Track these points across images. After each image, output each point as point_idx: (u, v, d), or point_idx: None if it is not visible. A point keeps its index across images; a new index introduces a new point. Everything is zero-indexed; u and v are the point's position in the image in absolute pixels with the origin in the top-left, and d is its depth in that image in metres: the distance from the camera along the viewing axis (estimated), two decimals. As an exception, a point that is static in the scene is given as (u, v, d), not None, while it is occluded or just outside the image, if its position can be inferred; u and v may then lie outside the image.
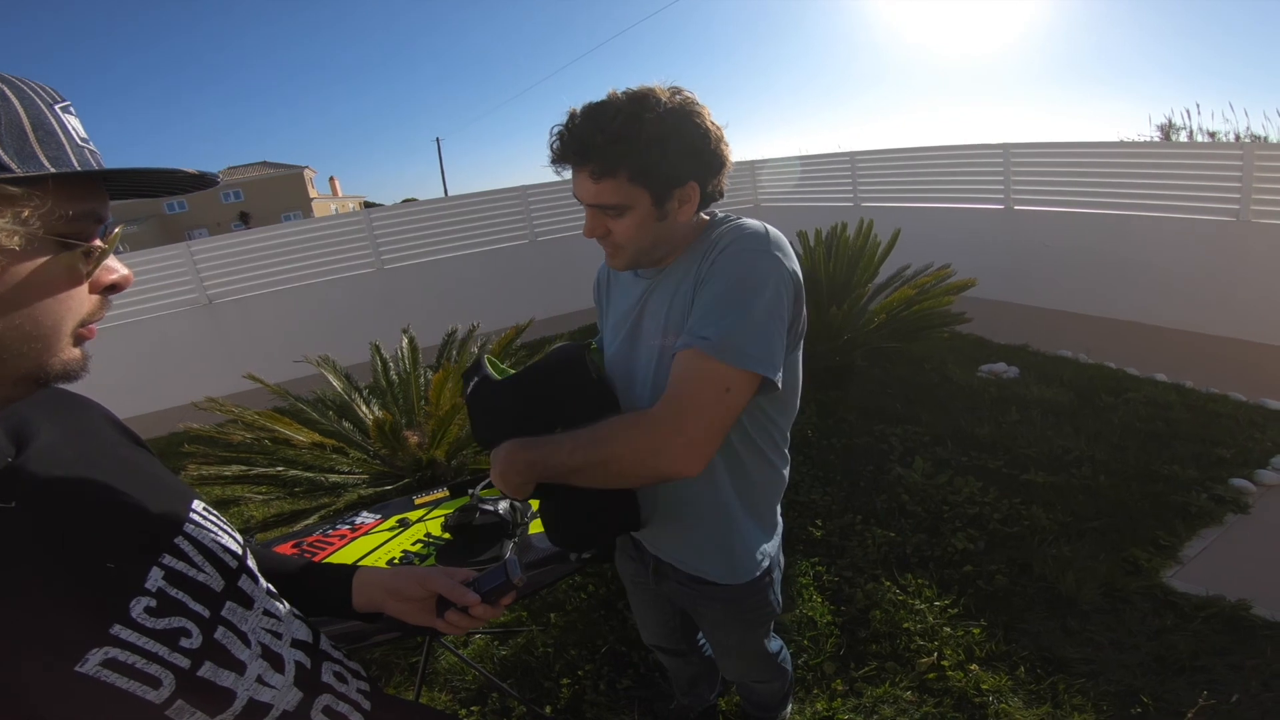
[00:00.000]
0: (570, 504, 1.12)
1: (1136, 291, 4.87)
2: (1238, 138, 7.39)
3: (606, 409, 1.06)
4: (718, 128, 1.00)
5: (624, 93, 0.97)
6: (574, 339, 1.38)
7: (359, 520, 1.97)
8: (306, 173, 39.89)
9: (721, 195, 1.06)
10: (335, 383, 3.24)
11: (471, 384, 1.18)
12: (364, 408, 3.13)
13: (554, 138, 0.99)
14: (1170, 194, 4.73)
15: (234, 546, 0.72)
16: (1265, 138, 7.30)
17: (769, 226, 1.03)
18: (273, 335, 5.61)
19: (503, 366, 1.24)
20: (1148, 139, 7.95)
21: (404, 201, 11.14)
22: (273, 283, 5.88)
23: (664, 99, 0.95)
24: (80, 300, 0.56)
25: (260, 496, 2.54)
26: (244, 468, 2.54)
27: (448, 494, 2.05)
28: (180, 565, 0.64)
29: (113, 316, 5.33)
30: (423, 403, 3.04)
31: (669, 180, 0.98)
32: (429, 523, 1.88)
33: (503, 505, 1.70)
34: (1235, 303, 4.39)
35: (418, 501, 2.04)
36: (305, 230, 6.18)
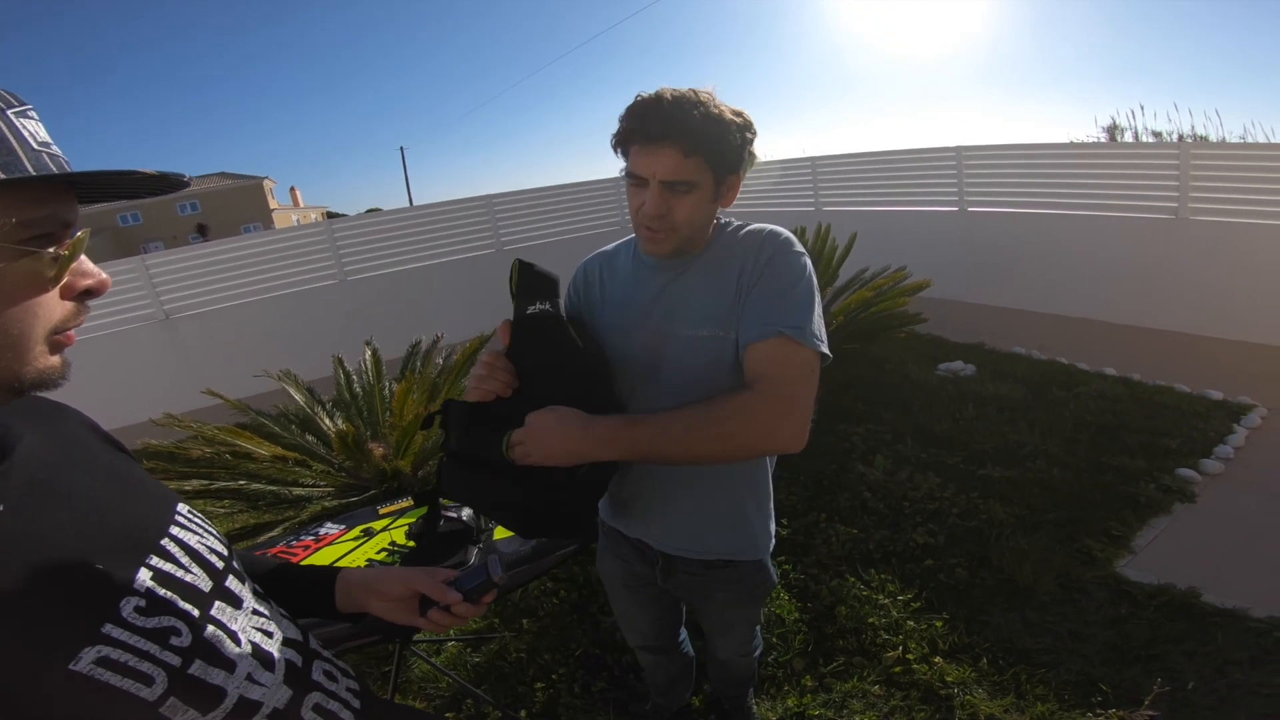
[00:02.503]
0: (540, 498, 1.10)
1: (1085, 288, 5.04)
2: (1180, 137, 7.68)
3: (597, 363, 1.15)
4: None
5: (692, 89, 1.05)
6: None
7: (323, 531, 1.96)
8: (266, 183, 39.06)
9: None
10: (297, 396, 3.19)
11: (536, 309, 1.10)
12: (327, 420, 3.09)
13: (640, 116, 1.04)
14: (1113, 193, 4.90)
15: (220, 548, 0.73)
16: (1206, 137, 7.60)
17: (786, 230, 1.16)
18: (233, 350, 5.48)
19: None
20: (1094, 139, 8.21)
21: (368, 211, 11.02)
22: (232, 296, 5.75)
23: (720, 101, 1.06)
24: (50, 306, 0.57)
25: (223, 511, 2.50)
26: (205, 482, 2.49)
27: (412, 503, 2.05)
28: (168, 566, 0.64)
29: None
30: (387, 414, 3.02)
31: (729, 168, 1.09)
32: (393, 531, 1.88)
33: (466, 512, 1.71)
34: (1177, 298, 4.57)
35: (382, 511, 2.03)
36: (265, 242, 6.07)
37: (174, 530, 0.68)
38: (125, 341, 5.39)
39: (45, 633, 0.53)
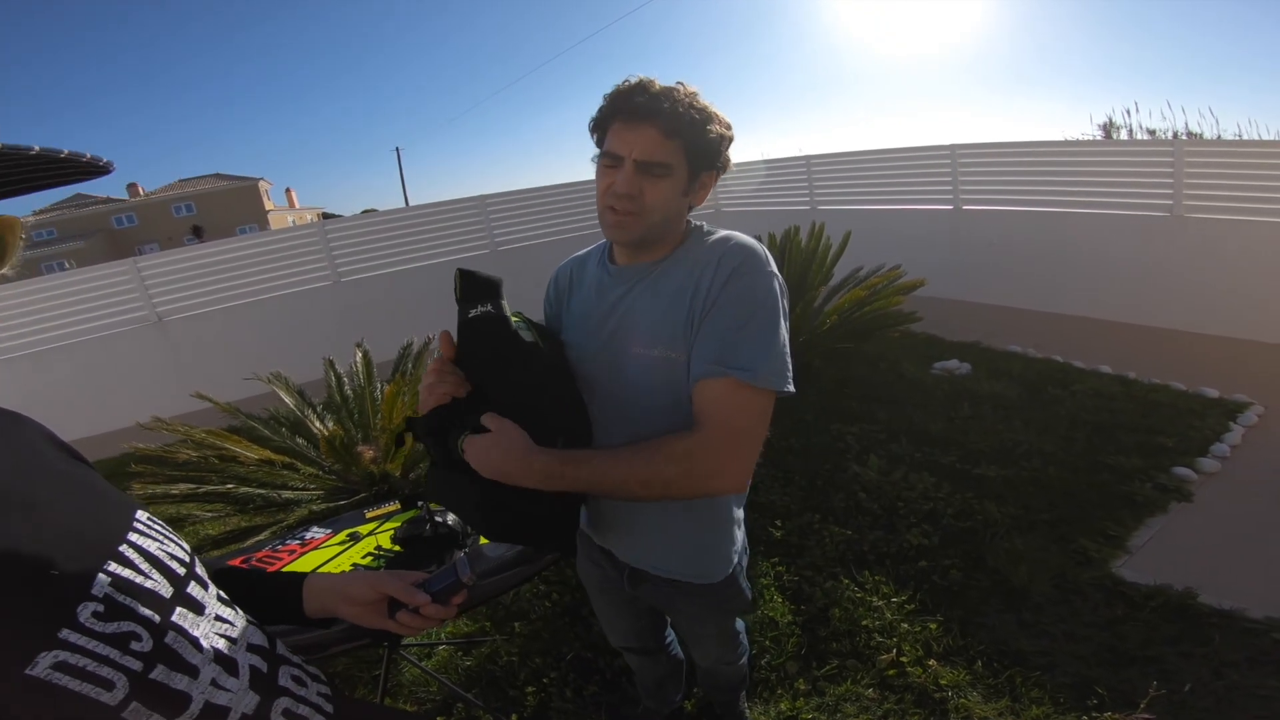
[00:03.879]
0: (514, 507, 1.08)
1: (1081, 286, 5.03)
2: (1175, 135, 7.66)
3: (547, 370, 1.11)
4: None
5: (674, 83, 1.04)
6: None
7: (309, 535, 1.94)
8: (262, 184, 38.91)
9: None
10: (287, 399, 3.17)
11: (478, 311, 1.06)
12: (317, 423, 3.07)
13: (626, 94, 1.02)
14: (1109, 191, 4.89)
15: (181, 554, 0.73)
16: (1200, 134, 7.59)
17: (757, 242, 1.09)
18: (226, 352, 5.45)
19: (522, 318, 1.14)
20: (1090, 138, 8.20)
21: (364, 212, 11.00)
22: (225, 298, 5.71)
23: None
24: None
25: (210, 514, 2.48)
26: (193, 486, 2.47)
27: (399, 507, 2.02)
28: (126, 572, 0.64)
29: (58, 336, 5.15)
30: (378, 417, 2.99)
31: (705, 163, 1.06)
32: (379, 536, 1.86)
33: (452, 517, 1.69)
34: (1172, 295, 4.56)
35: (369, 515, 2.01)
36: (258, 244, 6.03)
37: (132, 537, 0.68)
38: (118, 344, 5.36)
39: (0, 638, 0.53)
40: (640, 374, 1.09)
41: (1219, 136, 7.22)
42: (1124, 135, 8.04)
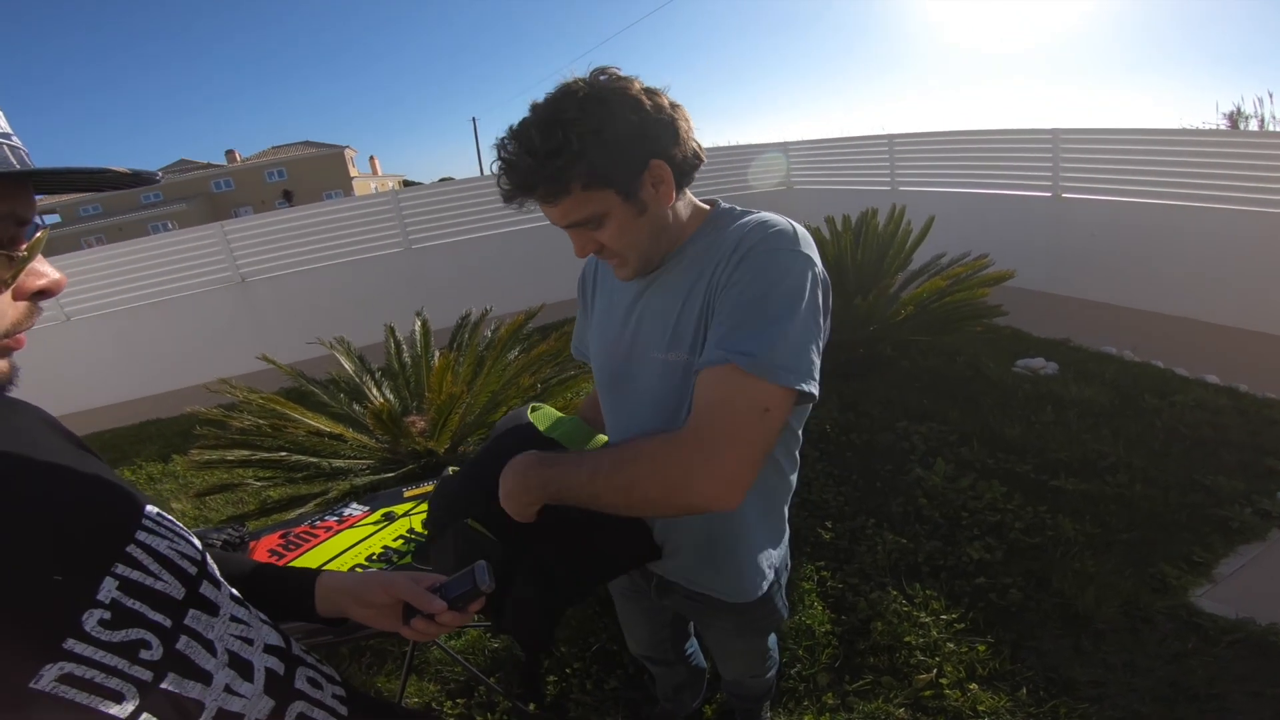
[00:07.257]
0: (573, 546, 1.05)
1: (1190, 286, 4.56)
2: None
3: None
4: (652, 93, 0.89)
5: (541, 102, 0.88)
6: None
7: (347, 512, 1.95)
8: (347, 152, 40.47)
9: (700, 160, 0.96)
10: (347, 365, 3.23)
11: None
12: (374, 390, 3.12)
13: (498, 176, 0.90)
14: (1233, 185, 4.39)
15: (193, 552, 0.69)
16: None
17: (792, 222, 0.93)
18: (300, 314, 5.71)
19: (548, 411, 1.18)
20: (1214, 127, 7.43)
21: (440, 180, 11.24)
22: (303, 261, 5.97)
23: (580, 89, 0.86)
24: (1, 310, 0.54)
25: (259, 482, 2.55)
26: (247, 452, 2.54)
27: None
28: (135, 574, 0.60)
29: (154, 293, 5.48)
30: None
31: (627, 170, 0.88)
32: (413, 518, 1.85)
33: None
34: (1300, 301, 4.08)
35: (407, 494, 2.00)
36: (334, 210, 6.23)
37: (141, 536, 0.64)
38: (205, 302, 5.69)
39: (2, 650, 0.50)
40: (658, 381, 0.99)
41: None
42: (1254, 126, 7.25)
